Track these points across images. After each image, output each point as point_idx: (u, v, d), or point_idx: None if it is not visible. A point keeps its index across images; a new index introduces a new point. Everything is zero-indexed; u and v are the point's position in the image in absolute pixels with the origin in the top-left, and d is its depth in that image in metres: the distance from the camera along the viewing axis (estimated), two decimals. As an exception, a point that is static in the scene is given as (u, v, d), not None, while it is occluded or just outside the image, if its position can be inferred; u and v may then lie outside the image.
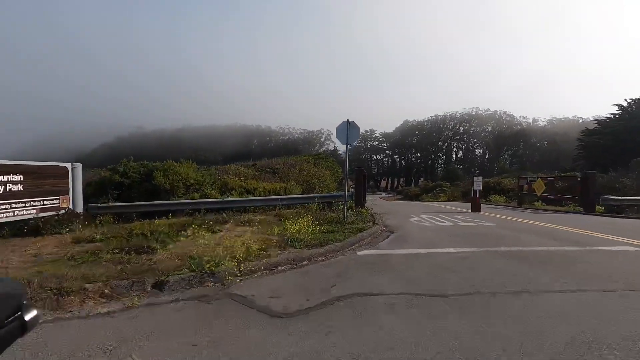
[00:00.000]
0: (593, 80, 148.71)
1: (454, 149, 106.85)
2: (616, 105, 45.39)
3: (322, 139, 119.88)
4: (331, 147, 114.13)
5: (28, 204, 8.86)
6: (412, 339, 2.76)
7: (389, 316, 3.29)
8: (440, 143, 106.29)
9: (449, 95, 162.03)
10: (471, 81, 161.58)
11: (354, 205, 13.33)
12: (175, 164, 14.58)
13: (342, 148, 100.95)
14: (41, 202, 9.29)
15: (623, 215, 12.34)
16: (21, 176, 8.65)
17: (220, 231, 9.06)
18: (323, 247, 6.54)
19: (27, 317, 0.73)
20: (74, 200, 11.71)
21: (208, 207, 12.90)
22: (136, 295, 4.02)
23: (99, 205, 12.41)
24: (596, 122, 48.38)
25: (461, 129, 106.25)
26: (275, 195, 15.91)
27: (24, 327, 0.71)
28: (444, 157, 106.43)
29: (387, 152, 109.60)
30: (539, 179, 16.91)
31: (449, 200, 28.43)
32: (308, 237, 7.21)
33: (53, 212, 9.47)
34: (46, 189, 9.52)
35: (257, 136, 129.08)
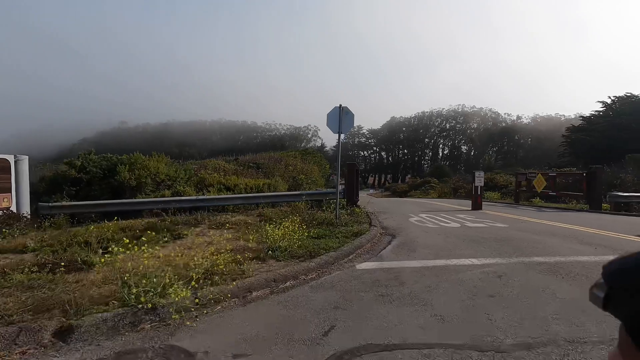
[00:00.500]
0: (574, 78, 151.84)
1: (440, 146, 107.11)
2: (600, 102, 45.57)
3: (309, 135, 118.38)
4: (318, 143, 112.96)
5: (-56, 205, 7.14)
6: None
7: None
8: (426, 139, 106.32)
9: (436, 93, 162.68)
10: (458, 79, 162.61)
11: (345, 203, 11.99)
12: (143, 157, 12.87)
13: (330, 144, 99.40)
14: (-36, 201, 7.56)
15: (634, 213, 11.38)
16: None
17: (187, 236, 7.55)
18: (313, 260, 5.14)
19: None
20: (18, 199, 9.93)
21: (180, 207, 11.31)
22: (19, 354, 2.53)
23: (50, 204, 10.66)
24: (581, 118, 48.52)
25: (447, 125, 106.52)
26: (258, 192, 14.40)
27: None
28: (430, 153, 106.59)
29: (375, 148, 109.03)
30: (540, 174, 15.95)
31: (440, 197, 27.45)
32: (294, 245, 5.80)
33: (-16, 214, 7.77)
34: (-27, 186, 7.79)
35: (243, 132, 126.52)
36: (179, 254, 4.72)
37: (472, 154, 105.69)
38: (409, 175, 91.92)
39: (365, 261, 5.44)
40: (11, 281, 4.20)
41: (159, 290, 3.32)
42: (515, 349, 2.52)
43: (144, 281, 3.31)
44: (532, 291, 3.83)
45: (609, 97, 44.92)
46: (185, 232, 7.80)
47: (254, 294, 3.91)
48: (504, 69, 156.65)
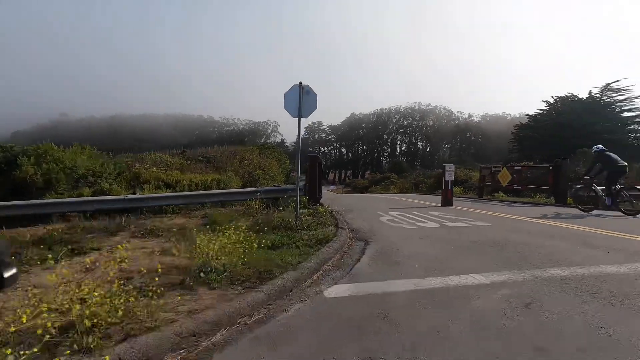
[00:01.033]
0: (518, 78, 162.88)
1: (398, 142, 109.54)
2: (544, 101, 48.35)
3: (269, 130, 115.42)
4: (278, 139, 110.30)
5: None
6: None
7: None
8: (385, 136, 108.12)
9: (395, 89, 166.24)
10: (414, 76, 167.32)
11: (307, 201, 10.49)
12: (56, 147, 10.35)
13: (290, 139, 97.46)
14: None
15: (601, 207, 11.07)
16: None
17: (96, 250, 5.60)
18: (263, 286, 3.55)
19: (6, 275, 0.64)
20: None
21: (103, 208, 9.10)
22: None
23: None
24: (528, 117, 51.21)
25: (405, 122, 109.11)
26: (206, 189, 12.42)
27: (1, 284, 0.61)
28: (389, 149, 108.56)
29: (335, 144, 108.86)
30: (505, 168, 15.60)
31: (401, 192, 26.97)
32: (238, 261, 4.18)
33: None
34: None
35: (198, 126, 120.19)
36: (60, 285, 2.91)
37: (427, 150, 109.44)
38: (369, 171, 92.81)
39: (335, 282, 3.96)
40: None
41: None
42: None
43: None
44: (587, 332, 2.57)
45: (552, 97, 47.76)
46: (94, 245, 5.82)
47: (153, 368, 2.24)
48: (459, 67, 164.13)
